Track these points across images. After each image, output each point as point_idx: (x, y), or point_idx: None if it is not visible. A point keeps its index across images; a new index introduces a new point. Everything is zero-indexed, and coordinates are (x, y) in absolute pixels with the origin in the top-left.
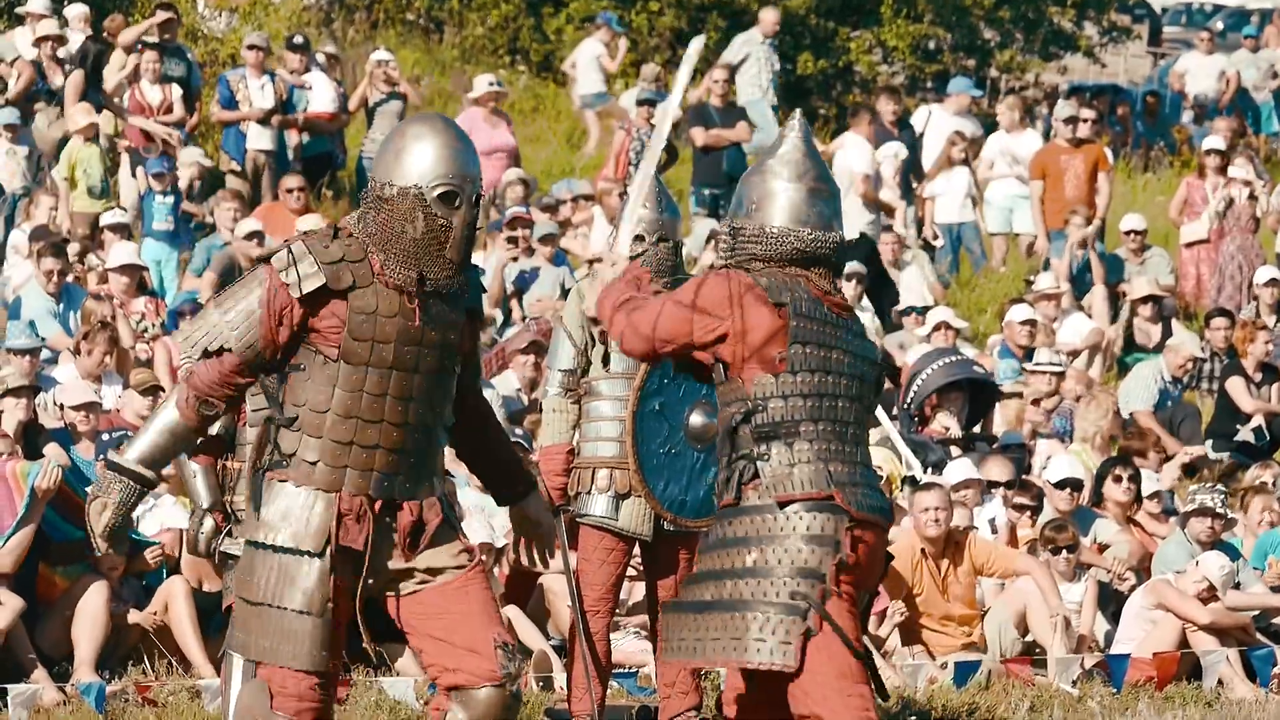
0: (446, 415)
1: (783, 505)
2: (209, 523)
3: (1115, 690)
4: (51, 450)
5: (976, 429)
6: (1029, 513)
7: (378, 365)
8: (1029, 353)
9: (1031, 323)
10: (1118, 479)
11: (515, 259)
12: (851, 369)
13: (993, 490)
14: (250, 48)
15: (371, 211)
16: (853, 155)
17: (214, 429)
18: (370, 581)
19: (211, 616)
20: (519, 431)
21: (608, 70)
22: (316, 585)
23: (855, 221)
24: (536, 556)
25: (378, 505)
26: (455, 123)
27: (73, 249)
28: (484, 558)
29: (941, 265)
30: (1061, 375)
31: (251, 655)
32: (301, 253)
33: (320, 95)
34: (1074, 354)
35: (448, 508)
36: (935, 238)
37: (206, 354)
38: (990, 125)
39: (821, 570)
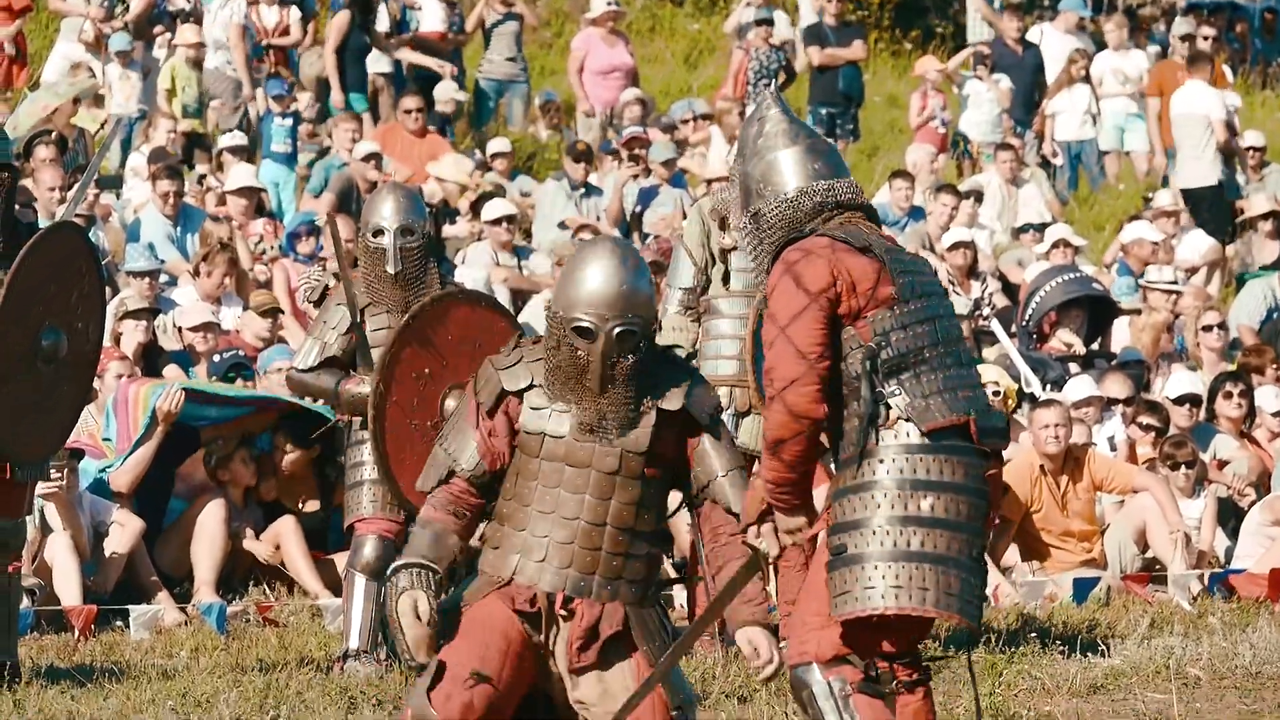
0: (634, 517)
1: (932, 437)
2: (351, 385)
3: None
4: (171, 372)
5: (1095, 346)
6: (1154, 433)
7: (550, 459)
8: (1147, 270)
9: (1150, 240)
10: (1229, 395)
11: (635, 177)
12: (937, 288)
13: (1112, 408)
14: None
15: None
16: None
17: (334, 350)
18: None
19: (323, 534)
20: None
21: None
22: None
23: None
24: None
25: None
26: (630, 251)
27: None
28: None
29: (1060, 183)
30: (1178, 293)
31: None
32: (485, 370)
33: (430, 15)
34: (1192, 271)
35: (647, 630)
36: (1055, 155)
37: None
38: (1100, 43)
39: (980, 524)
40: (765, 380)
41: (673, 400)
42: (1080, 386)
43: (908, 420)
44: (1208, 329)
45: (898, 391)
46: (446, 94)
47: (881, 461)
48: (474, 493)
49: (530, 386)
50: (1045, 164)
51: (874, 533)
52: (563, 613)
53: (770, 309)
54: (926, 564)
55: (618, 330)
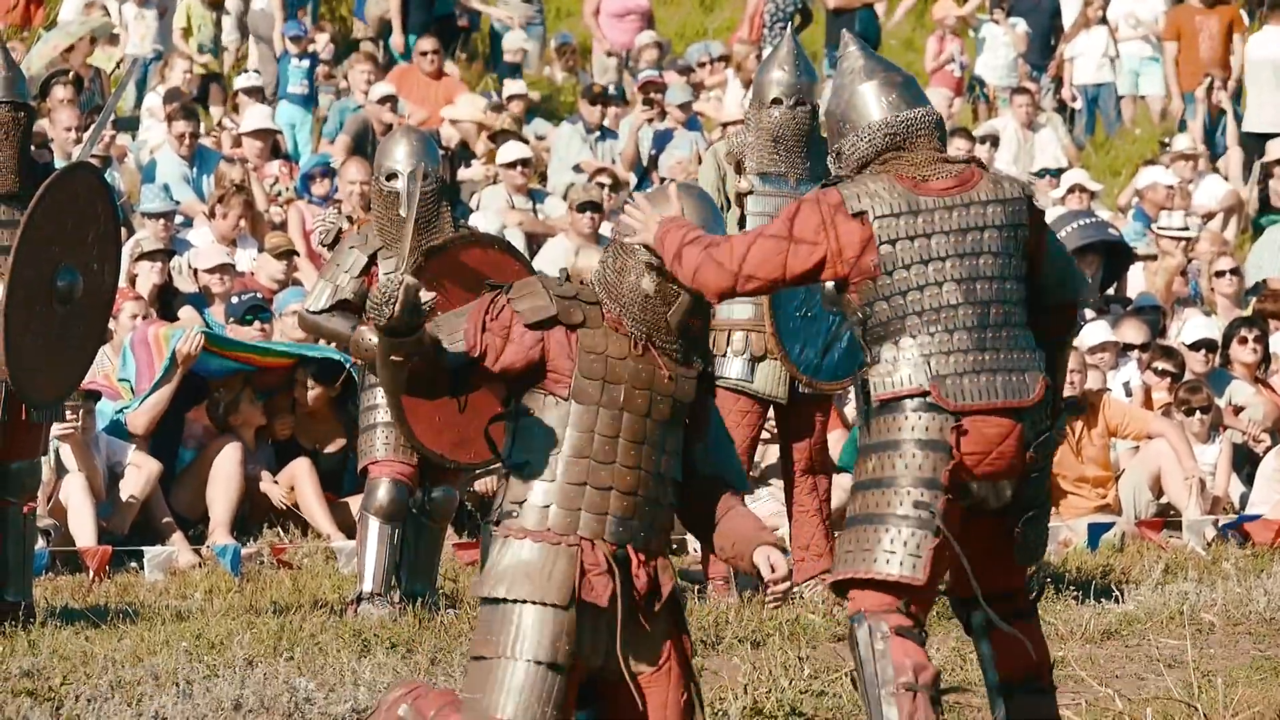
0: (675, 470)
1: (887, 404)
2: (365, 332)
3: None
4: (186, 314)
5: (1111, 291)
6: (1169, 378)
7: (609, 406)
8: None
9: (1164, 185)
10: (1244, 340)
11: (650, 121)
12: (961, 247)
13: (1128, 353)
14: None
15: (611, 258)
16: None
17: (346, 293)
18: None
19: (339, 476)
20: None
21: None
22: (551, 639)
23: None
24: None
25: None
26: (711, 200)
27: None
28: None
29: (1077, 127)
30: (1191, 239)
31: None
32: (530, 286)
33: None
34: (1209, 216)
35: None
36: (1074, 99)
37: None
38: None
39: (938, 478)
40: (709, 241)
41: (706, 361)
42: (1096, 332)
43: (878, 388)
44: (1220, 274)
45: (878, 359)
46: (515, 44)
47: (863, 426)
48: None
49: (583, 324)
50: (1061, 108)
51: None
52: (636, 573)
53: (768, 224)
54: (866, 525)
55: None
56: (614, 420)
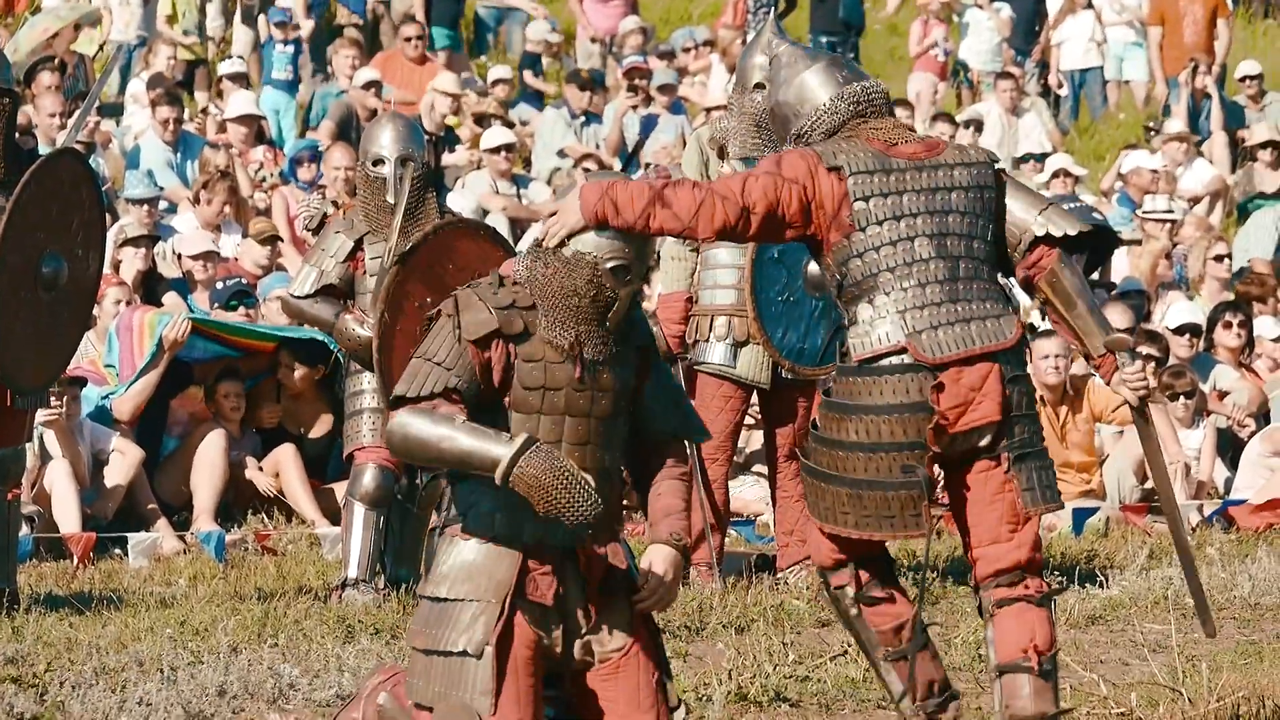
0: (621, 458)
1: (866, 364)
2: (349, 320)
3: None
4: (170, 300)
5: (1095, 276)
6: (1153, 363)
7: (550, 412)
8: (1144, 201)
9: (1149, 169)
10: (1228, 325)
11: (635, 108)
12: (931, 205)
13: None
14: None
15: (541, 264)
16: None
17: (331, 278)
18: (561, 639)
19: (324, 462)
20: None
21: None
22: (481, 629)
23: None
24: (649, 602)
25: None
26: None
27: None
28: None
29: (1063, 112)
30: (1176, 223)
31: (419, 699)
32: (469, 300)
33: None
34: (1194, 201)
35: (630, 557)
36: (1060, 86)
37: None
38: None
39: (922, 439)
40: (693, 182)
41: (645, 337)
42: None
43: (856, 348)
44: (1219, 259)
45: (856, 319)
46: (539, 34)
47: (835, 382)
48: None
49: (524, 335)
50: (1045, 92)
51: (821, 454)
52: (585, 568)
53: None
54: (845, 487)
55: (644, 270)
56: (555, 425)
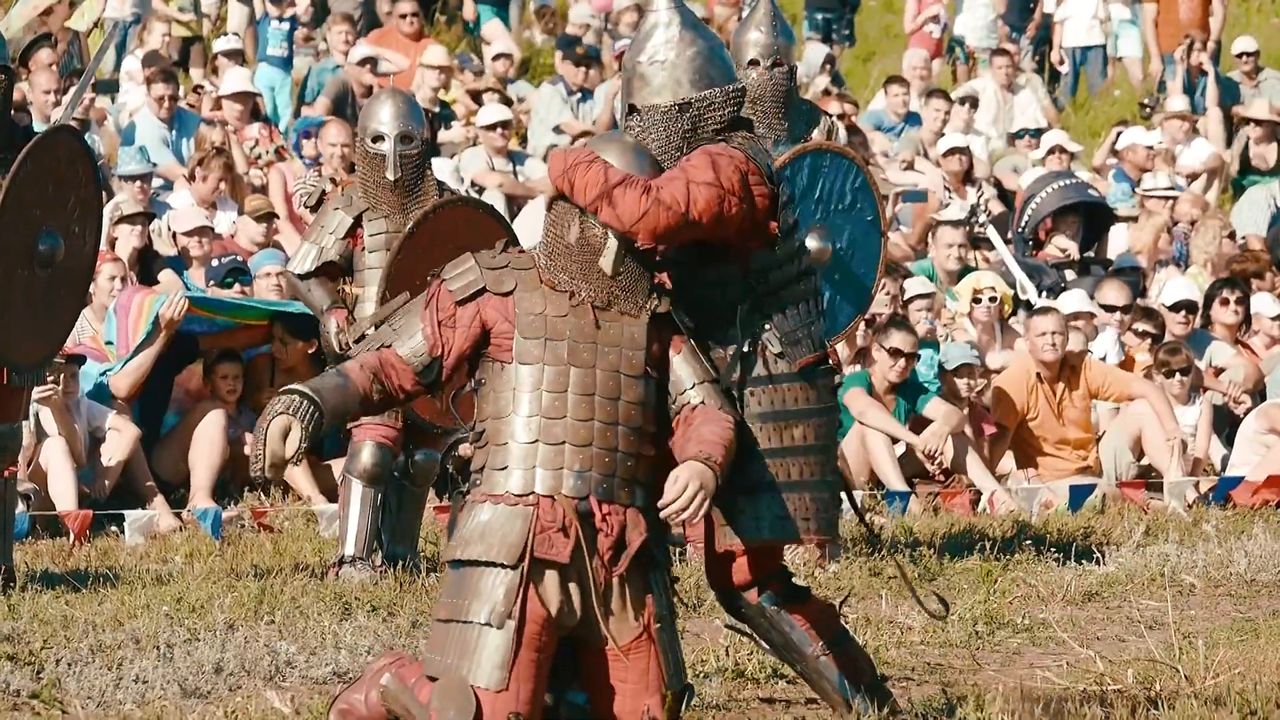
0: (645, 421)
1: (802, 371)
2: (333, 322)
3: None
4: (166, 277)
5: (1091, 252)
6: (1150, 340)
7: (554, 363)
8: (1143, 178)
9: (1144, 146)
10: (1225, 301)
11: None
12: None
13: (1109, 314)
14: None
15: (550, 217)
16: None
17: (331, 254)
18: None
19: (321, 442)
20: None
21: None
22: (502, 598)
23: None
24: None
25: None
26: (642, 151)
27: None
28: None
29: (1059, 89)
30: (1176, 198)
31: (433, 671)
32: (463, 260)
33: None
34: (1191, 177)
35: (655, 541)
36: (1061, 63)
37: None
38: None
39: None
40: (643, 183)
41: (662, 303)
42: (1075, 300)
43: (780, 357)
44: (1232, 236)
45: (771, 329)
46: (582, 17)
47: (751, 394)
48: (409, 374)
49: (513, 291)
50: (1040, 69)
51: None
52: (601, 525)
53: (684, 164)
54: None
55: None
56: (560, 375)
